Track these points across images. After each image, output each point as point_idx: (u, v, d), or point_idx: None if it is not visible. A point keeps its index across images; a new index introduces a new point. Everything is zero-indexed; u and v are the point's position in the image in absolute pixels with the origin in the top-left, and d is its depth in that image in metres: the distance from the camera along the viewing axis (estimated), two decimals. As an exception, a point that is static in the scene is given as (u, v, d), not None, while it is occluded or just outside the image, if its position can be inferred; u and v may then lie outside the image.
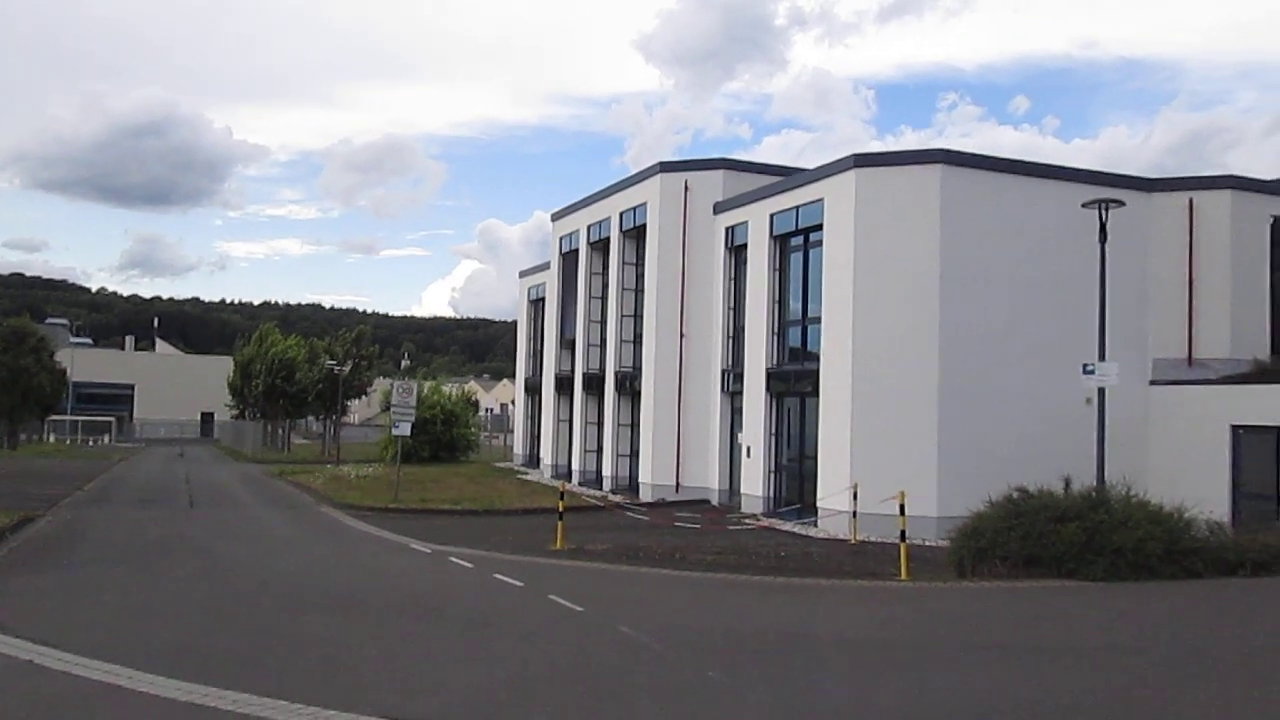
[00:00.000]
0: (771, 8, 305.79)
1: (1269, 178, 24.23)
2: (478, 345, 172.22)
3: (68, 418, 68.74)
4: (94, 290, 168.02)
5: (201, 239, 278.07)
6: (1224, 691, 8.24)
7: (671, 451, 27.74)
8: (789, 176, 25.86)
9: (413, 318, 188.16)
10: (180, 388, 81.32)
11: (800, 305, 24.65)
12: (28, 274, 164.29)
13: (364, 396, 67.58)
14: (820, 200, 23.07)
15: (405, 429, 28.14)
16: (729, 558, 16.76)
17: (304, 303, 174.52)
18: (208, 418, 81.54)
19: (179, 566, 15.84)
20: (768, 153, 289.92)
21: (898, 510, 15.58)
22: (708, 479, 27.30)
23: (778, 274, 25.31)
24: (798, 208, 24.09)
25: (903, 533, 15.38)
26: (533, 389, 41.81)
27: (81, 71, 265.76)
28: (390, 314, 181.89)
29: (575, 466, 33.81)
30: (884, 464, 20.29)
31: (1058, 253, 21.28)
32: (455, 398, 49.97)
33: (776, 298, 25.28)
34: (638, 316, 30.52)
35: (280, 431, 63.98)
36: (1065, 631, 11.15)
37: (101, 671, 8.41)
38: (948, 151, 21.78)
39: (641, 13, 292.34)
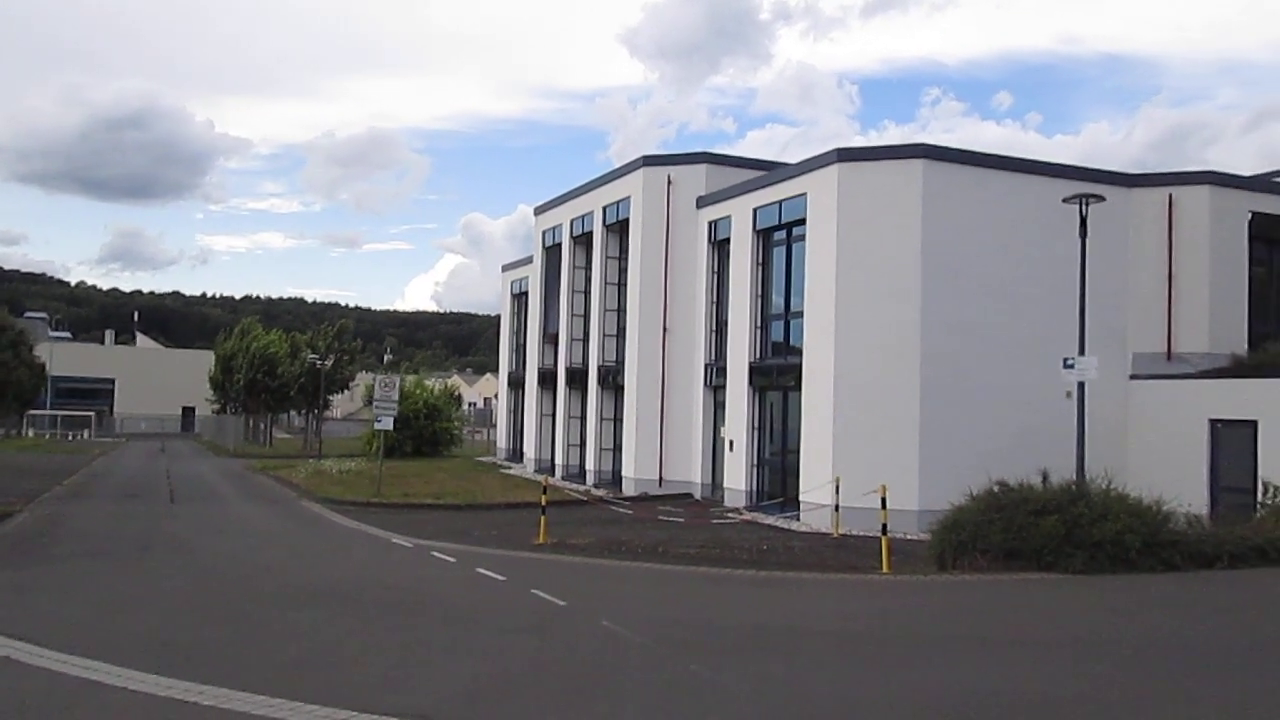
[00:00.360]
0: (756, 2, 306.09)
1: (1248, 174, 24.42)
2: (461, 339, 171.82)
3: (47, 412, 68.13)
4: (73, 284, 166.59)
5: (183, 232, 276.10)
6: (1196, 682, 8.33)
7: (654, 446, 27.77)
8: (772, 171, 25.90)
9: (396, 312, 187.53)
10: (161, 382, 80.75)
11: (783, 299, 24.70)
12: (6, 267, 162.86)
13: (346, 391, 67.37)
14: (803, 195, 23.11)
15: (388, 423, 28.07)
16: (712, 552, 16.79)
17: (286, 297, 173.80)
18: (189, 412, 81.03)
19: (159, 561, 15.77)
20: (752, 147, 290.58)
21: (879, 504, 15.67)
22: (691, 473, 27.35)
23: (760, 268, 25.35)
24: (780, 202, 24.13)
25: (884, 526, 15.47)
26: (516, 383, 41.76)
27: (61, 63, 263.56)
28: (373, 308, 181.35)
29: (558, 461, 33.81)
30: (866, 458, 20.36)
31: (1039, 247, 21.38)
32: (438, 392, 49.89)
33: (759, 292, 25.33)
34: (621, 311, 30.52)
35: (262, 426, 63.68)
36: (1044, 624, 11.25)
37: (80, 667, 8.37)
38: (929, 146, 21.85)
39: (626, 6, 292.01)
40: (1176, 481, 17.80)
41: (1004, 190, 21.79)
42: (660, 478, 27.53)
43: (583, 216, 32.94)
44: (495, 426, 49.86)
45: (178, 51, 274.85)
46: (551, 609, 11.60)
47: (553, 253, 35.88)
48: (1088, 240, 16.74)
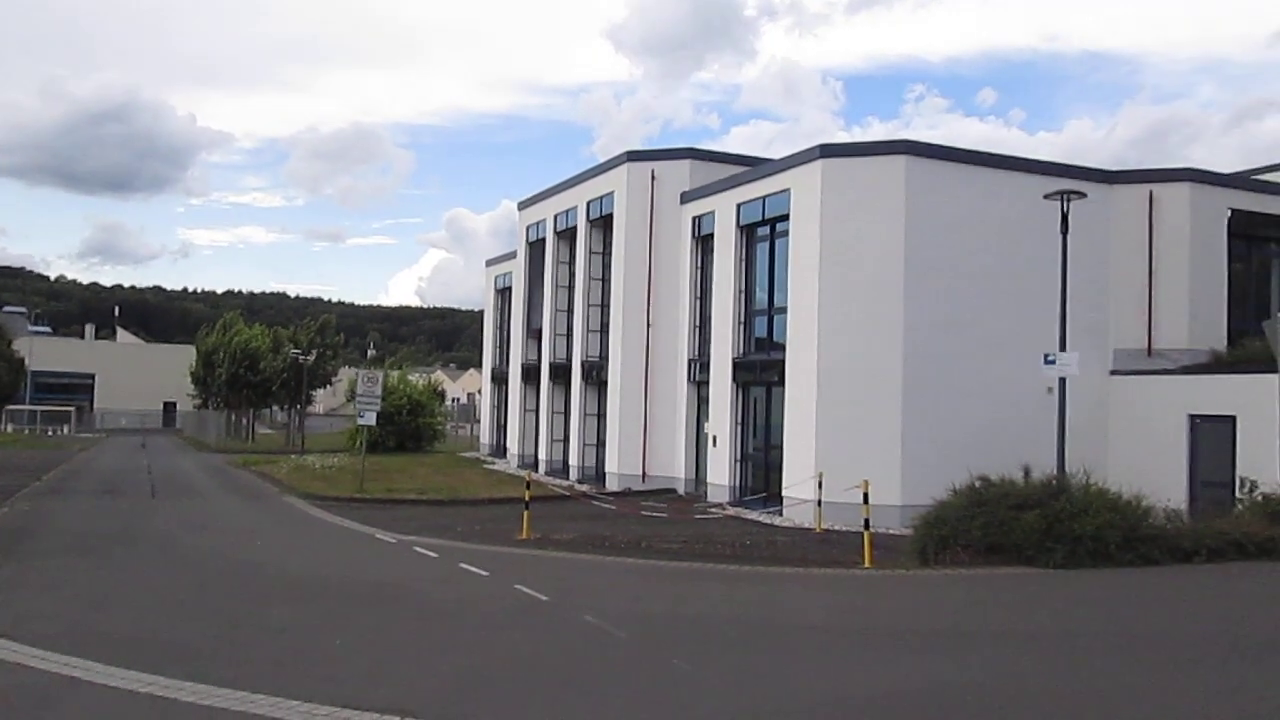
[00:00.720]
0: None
1: (1228, 171, 24.57)
2: (444, 335, 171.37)
3: (26, 407, 67.48)
4: (53, 278, 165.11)
5: (164, 226, 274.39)
6: (1172, 674, 8.40)
7: (638, 441, 27.78)
8: (755, 167, 25.93)
9: (379, 307, 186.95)
10: (142, 377, 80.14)
11: (766, 295, 24.74)
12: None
13: (329, 386, 67.13)
14: (786, 190, 23.15)
15: (371, 418, 27.98)
16: (695, 546, 16.82)
17: (269, 292, 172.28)
18: (170, 408, 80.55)
19: (140, 557, 15.69)
20: (736, 143, 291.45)
21: (862, 499, 15.73)
22: (674, 468, 27.37)
23: (744, 264, 25.38)
24: (764, 198, 24.16)
25: (866, 521, 15.52)
26: (499, 379, 41.68)
27: (41, 56, 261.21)
28: (356, 303, 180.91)
29: (542, 456, 33.78)
30: (849, 453, 20.44)
31: (1020, 243, 21.47)
32: (422, 387, 49.71)
33: (743, 287, 25.36)
34: (604, 306, 30.49)
35: (244, 421, 63.37)
36: (1024, 617, 11.32)
37: (60, 664, 8.32)
38: (912, 143, 21.92)
39: (612, 1, 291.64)
40: (1156, 476, 17.94)
41: (986, 186, 21.88)
42: (644, 473, 27.54)
43: (566, 211, 32.90)
44: (479, 422, 49.77)
45: (160, 44, 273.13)
46: (534, 604, 11.59)
47: (536, 248, 35.82)
48: (1069, 237, 16.82)
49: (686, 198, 27.63)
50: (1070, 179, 20.26)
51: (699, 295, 27.42)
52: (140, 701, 7.34)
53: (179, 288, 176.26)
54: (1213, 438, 20.13)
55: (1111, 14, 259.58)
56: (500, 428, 41.62)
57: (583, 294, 31.43)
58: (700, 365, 26.85)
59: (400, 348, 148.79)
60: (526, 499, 18.56)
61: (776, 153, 29.10)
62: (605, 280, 30.59)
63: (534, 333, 35.86)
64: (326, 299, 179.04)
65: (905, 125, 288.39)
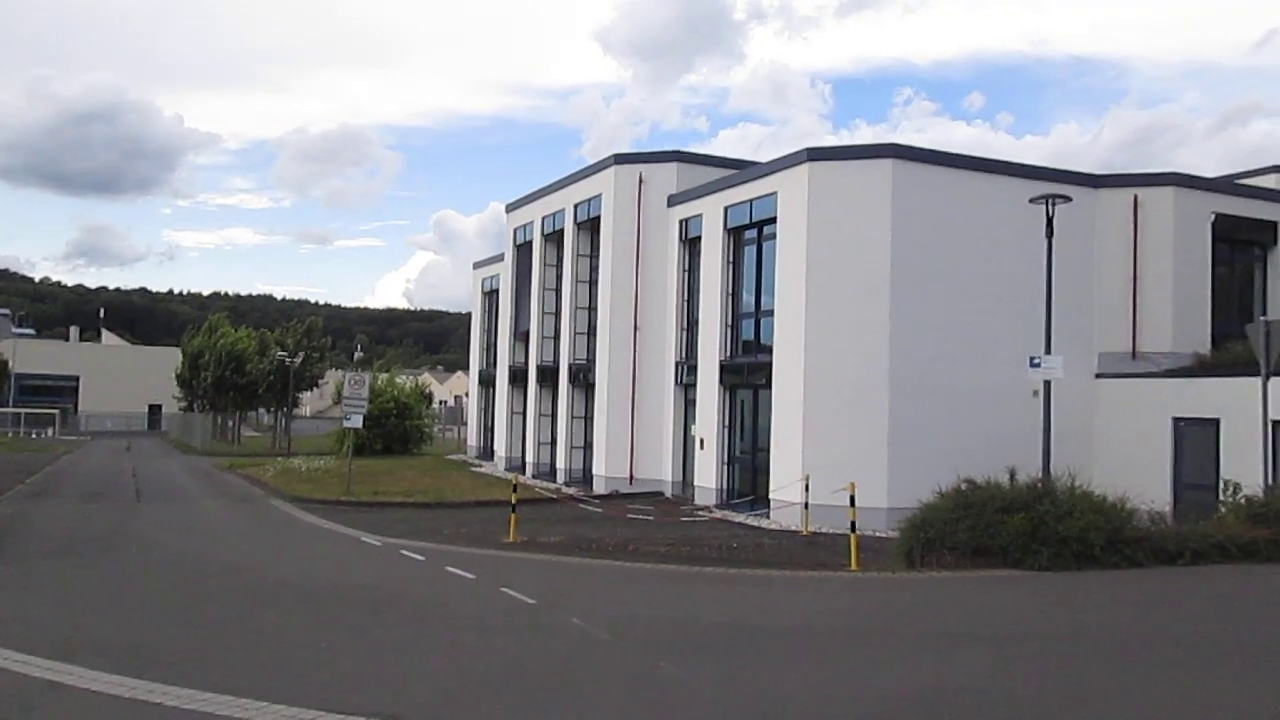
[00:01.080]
0: (731, 1, 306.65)
1: (1213, 175, 24.72)
2: (432, 337, 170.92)
3: (9, 410, 67.11)
4: (37, 280, 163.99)
5: (150, 228, 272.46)
6: (1156, 676, 8.45)
7: (625, 444, 27.77)
8: (743, 170, 25.97)
9: (366, 309, 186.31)
10: (127, 380, 79.77)
11: (753, 298, 24.78)
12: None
13: (316, 388, 66.96)
14: (774, 194, 23.20)
15: (357, 421, 27.93)
16: (682, 549, 16.83)
17: (255, 294, 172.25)
18: (155, 410, 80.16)
19: (125, 561, 15.61)
20: (724, 146, 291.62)
21: (848, 501, 15.75)
22: (661, 471, 27.38)
23: (731, 267, 25.42)
24: (751, 201, 24.21)
25: (853, 524, 15.55)
26: (487, 381, 41.63)
27: (27, 56, 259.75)
28: (344, 305, 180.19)
29: (529, 459, 33.74)
30: (835, 456, 20.48)
31: (1006, 247, 21.56)
32: (409, 390, 49.62)
33: (730, 290, 25.39)
34: (592, 309, 30.50)
35: (230, 424, 63.12)
36: (1009, 620, 11.36)
37: (43, 668, 8.27)
38: (899, 146, 21.99)
39: (601, 3, 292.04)
40: (1140, 479, 18.02)
41: (973, 190, 21.97)
42: (631, 476, 27.54)
43: (554, 214, 32.89)
44: (466, 424, 49.68)
45: (146, 45, 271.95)
46: (521, 607, 11.58)
47: (524, 250, 35.80)
48: (1055, 240, 16.91)
49: (674, 200, 27.65)
50: (1056, 183, 20.39)
51: (686, 298, 27.45)
52: (124, 706, 7.30)
53: (165, 290, 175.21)
54: (1196, 440, 20.25)
55: (1098, 19, 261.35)
56: (487, 430, 41.56)
57: (570, 296, 31.41)
58: (687, 368, 26.87)
59: (388, 350, 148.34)
60: (513, 502, 18.54)
61: (765, 156, 29.14)
62: (593, 283, 30.59)
63: (521, 335, 35.83)
64: (313, 301, 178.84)
65: (893, 128, 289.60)
